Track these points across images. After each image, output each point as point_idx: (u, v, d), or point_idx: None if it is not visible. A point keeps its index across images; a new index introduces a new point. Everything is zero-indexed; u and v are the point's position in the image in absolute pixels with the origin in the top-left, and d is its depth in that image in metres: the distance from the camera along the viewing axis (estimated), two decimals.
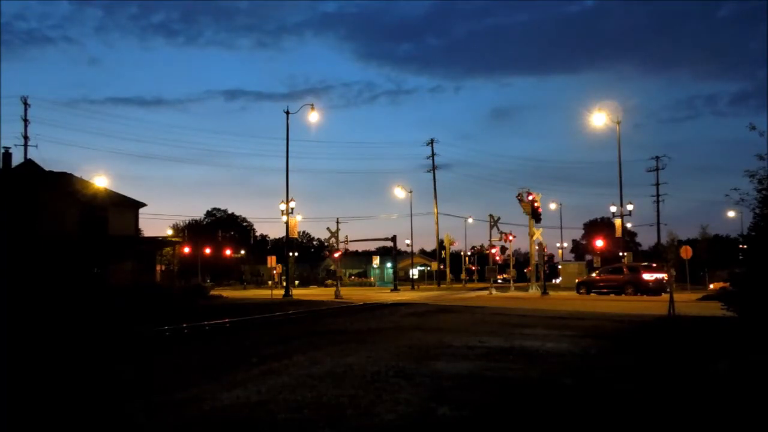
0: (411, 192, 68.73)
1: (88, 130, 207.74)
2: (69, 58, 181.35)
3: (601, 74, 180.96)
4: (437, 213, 72.97)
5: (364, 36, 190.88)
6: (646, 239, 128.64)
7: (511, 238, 44.95)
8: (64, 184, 34.14)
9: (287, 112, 37.84)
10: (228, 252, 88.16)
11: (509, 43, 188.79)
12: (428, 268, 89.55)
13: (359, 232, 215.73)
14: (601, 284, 34.63)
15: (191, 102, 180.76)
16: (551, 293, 36.78)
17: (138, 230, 39.71)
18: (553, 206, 69.80)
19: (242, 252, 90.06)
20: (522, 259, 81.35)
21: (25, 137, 47.01)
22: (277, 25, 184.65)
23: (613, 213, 46.82)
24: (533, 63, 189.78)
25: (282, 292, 36.98)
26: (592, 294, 33.91)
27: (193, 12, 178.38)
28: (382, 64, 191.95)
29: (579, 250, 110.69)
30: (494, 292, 38.79)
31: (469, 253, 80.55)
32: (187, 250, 63.94)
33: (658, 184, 65.89)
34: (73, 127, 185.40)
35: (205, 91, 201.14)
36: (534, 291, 38.64)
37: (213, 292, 38.96)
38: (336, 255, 41.44)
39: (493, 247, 45.12)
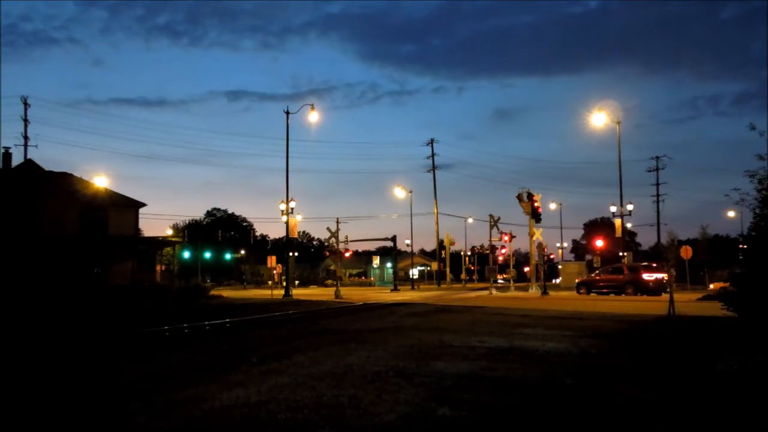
0: (411, 192, 68.90)
1: (91, 130, 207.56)
2: (73, 59, 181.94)
3: (604, 75, 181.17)
4: (437, 213, 73.06)
5: (368, 37, 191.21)
6: (646, 239, 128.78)
7: (510, 237, 44.98)
8: (64, 184, 34.14)
9: (287, 112, 37.89)
10: (228, 252, 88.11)
11: (512, 44, 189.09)
12: (428, 268, 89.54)
13: (359, 232, 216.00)
14: (601, 284, 34.62)
15: (194, 103, 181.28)
16: (551, 293, 36.76)
17: (138, 230, 39.69)
18: (553, 206, 69.76)
19: (242, 252, 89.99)
20: (522, 259, 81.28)
21: (25, 137, 47.06)
22: (281, 26, 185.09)
23: (613, 213, 46.82)
24: (536, 64, 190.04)
25: (282, 292, 36.98)
26: (592, 294, 33.89)
27: (197, 13, 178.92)
28: (385, 64, 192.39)
29: (579, 250, 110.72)
30: (494, 292, 38.78)
31: (469, 253, 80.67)
32: (186, 252, 63.90)
33: (658, 184, 65.90)
34: (75, 128, 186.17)
35: (208, 92, 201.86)
36: (534, 291, 38.61)
37: (213, 292, 38.89)
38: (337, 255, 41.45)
39: (493, 247, 45.09)
